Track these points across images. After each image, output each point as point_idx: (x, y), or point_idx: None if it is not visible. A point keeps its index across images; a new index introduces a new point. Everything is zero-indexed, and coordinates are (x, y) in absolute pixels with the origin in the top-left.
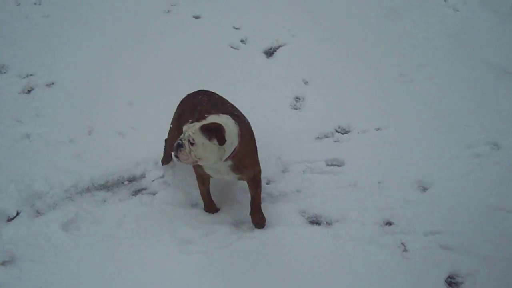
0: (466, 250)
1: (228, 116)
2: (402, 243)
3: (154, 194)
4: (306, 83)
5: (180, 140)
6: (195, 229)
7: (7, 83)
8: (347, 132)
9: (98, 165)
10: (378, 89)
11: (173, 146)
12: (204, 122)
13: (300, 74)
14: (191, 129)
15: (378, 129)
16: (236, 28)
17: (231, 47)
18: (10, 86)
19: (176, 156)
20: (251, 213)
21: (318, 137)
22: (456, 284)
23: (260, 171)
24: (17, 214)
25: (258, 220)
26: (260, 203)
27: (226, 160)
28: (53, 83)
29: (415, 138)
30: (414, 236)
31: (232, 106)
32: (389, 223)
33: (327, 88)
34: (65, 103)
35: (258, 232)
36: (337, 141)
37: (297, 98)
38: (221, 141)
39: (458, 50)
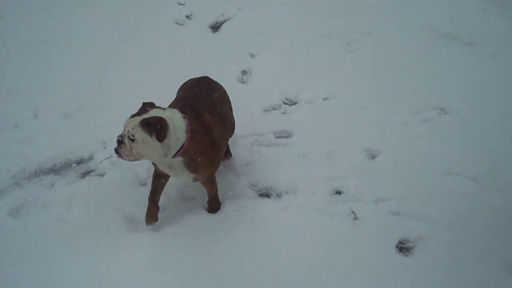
0: (416, 215)
1: (175, 110)
2: (352, 211)
3: (102, 175)
4: (252, 56)
5: (120, 136)
6: (144, 208)
7: None
8: (294, 103)
9: (45, 149)
10: (325, 58)
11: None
12: (145, 116)
13: (246, 48)
14: (130, 124)
15: (325, 98)
16: (181, 4)
17: (177, 23)
18: None
19: (117, 153)
20: (208, 202)
21: (266, 110)
22: (407, 249)
23: (215, 171)
24: None
25: (213, 207)
26: (217, 195)
27: (175, 156)
28: None
29: (363, 106)
30: (364, 203)
31: (207, 98)
32: (338, 192)
33: (274, 60)
34: (9, 88)
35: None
36: (285, 113)
37: (244, 71)
38: (160, 137)
39: (405, 16)
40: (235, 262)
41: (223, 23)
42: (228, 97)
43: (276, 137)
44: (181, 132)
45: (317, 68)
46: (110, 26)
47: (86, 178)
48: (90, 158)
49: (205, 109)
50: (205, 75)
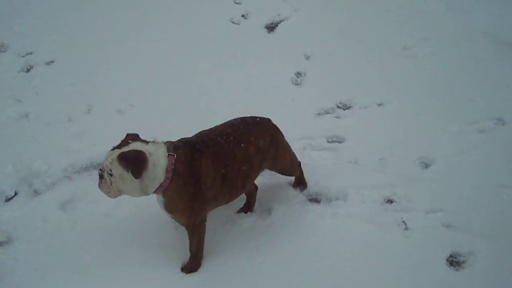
0: (468, 228)
1: (160, 145)
2: (403, 221)
3: None
4: (307, 58)
5: (101, 170)
6: None
7: (6, 62)
8: (348, 107)
9: (96, 143)
10: (380, 63)
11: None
12: (125, 149)
13: (301, 49)
14: (109, 158)
15: (380, 104)
16: (237, 3)
17: (232, 22)
18: (9, 64)
19: (100, 187)
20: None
21: (319, 113)
22: (458, 263)
23: (197, 226)
24: (15, 194)
25: (189, 266)
26: (197, 252)
27: (155, 193)
28: (52, 61)
29: (418, 113)
30: (415, 214)
31: (229, 145)
32: (389, 201)
33: (329, 63)
34: (64, 82)
35: (258, 212)
36: (338, 117)
37: (298, 73)
38: (135, 174)
39: (461, 23)
40: (280, 267)
41: (279, 23)
42: (270, 154)
43: (328, 141)
44: (160, 171)
45: (372, 72)
46: (169, 25)
47: None
48: None
49: (212, 154)
50: (269, 118)
